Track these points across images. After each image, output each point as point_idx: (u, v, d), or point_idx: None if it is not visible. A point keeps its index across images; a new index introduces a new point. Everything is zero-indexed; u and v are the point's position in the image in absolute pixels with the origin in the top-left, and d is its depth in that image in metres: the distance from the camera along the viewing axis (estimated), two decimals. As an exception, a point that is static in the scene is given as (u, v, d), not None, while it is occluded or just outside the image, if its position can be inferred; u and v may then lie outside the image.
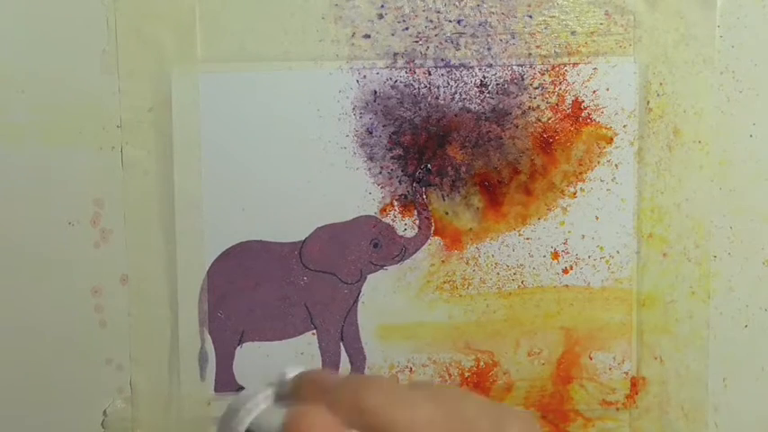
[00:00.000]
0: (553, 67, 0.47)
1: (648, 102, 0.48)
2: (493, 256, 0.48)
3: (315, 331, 0.49)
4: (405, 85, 0.47)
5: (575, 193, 0.48)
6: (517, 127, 0.48)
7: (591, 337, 0.49)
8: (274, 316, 0.48)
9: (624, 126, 0.48)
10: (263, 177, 0.47)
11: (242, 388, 0.49)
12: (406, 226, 0.48)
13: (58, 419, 0.49)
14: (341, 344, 0.49)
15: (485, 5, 0.47)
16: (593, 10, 0.47)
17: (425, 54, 0.47)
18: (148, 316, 0.48)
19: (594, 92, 0.48)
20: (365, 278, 0.48)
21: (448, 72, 0.47)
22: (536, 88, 0.47)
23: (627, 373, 0.49)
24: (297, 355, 0.49)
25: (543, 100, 0.47)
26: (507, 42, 0.47)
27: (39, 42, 0.47)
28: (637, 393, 0.49)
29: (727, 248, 0.49)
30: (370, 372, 0.49)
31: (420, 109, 0.47)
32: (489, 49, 0.47)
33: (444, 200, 0.48)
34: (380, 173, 0.48)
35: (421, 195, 0.48)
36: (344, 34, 0.47)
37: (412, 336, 0.49)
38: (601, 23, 0.47)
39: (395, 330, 0.49)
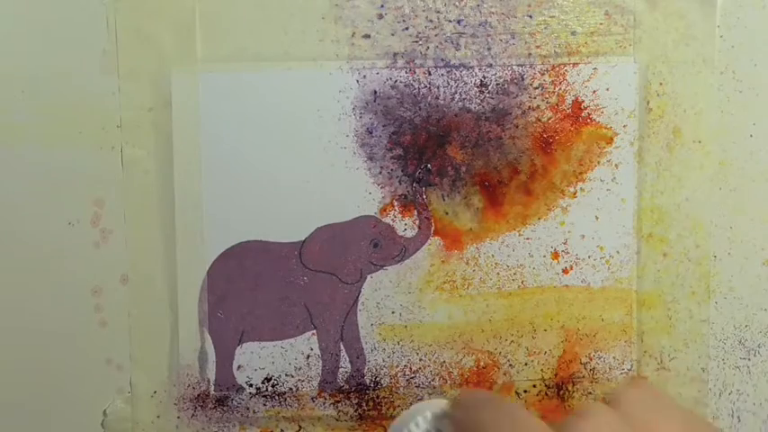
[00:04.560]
0: (553, 67, 0.47)
1: (648, 102, 0.48)
2: (493, 256, 0.48)
3: (315, 331, 0.49)
4: (405, 85, 0.47)
5: (575, 193, 0.48)
6: (517, 127, 0.48)
7: (591, 337, 0.49)
8: (274, 316, 0.48)
9: (624, 126, 0.48)
10: (262, 177, 0.47)
11: (242, 388, 0.49)
12: (406, 226, 0.48)
13: (58, 419, 0.49)
14: (341, 344, 0.49)
15: (485, 5, 0.47)
16: (593, 10, 0.47)
17: (425, 54, 0.47)
18: (148, 316, 0.48)
19: (594, 92, 0.48)
20: (365, 278, 0.48)
21: (448, 72, 0.47)
22: (536, 88, 0.47)
23: (627, 373, 0.49)
24: (297, 355, 0.49)
25: (543, 100, 0.47)
26: (507, 42, 0.47)
27: (39, 42, 0.47)
28: (637, 393, 0.49)
29: (727, 248, 0.49)
30: (370, 372, 0.49)
31: (420, 109, 0.47)
32: (489, 49, 0.47)
33: (444, 200, 0.48)
34: (380, 173, 0.48)
35: (421, 195, 0.48)
36: (344, 34, 0.47)
37: (412, 336, 0.49)
38: (601, 23, 0.47)
39: (395, 330, 0.49)
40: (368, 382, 0.49)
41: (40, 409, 0.49)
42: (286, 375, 0.49)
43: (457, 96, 0.47)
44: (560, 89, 0.47)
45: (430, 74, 0.47)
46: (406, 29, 0.47)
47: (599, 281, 0.49)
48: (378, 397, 0.49)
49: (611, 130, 0.48)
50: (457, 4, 0.47)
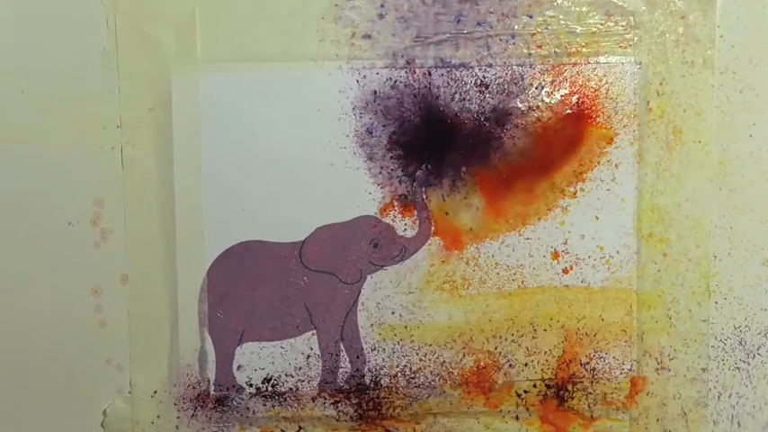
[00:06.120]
0: (553, 67, 0.47)
1: (648, 102, 0.48)
2: (493, 256, 0.48)
3: (315, 331, 0.49)
4: (405, 85, 0.47)
5: (575, 193, 0.48)
6: (517, 127, 0.48)
7: (591, 337, 0.49)
8: (274, 316, 0.48)
9: (624, 126, 0.48)
10: (263, 177, 0.47)
11: (242, 388, 0.49)
12: (405, 226, 0.48)
13: (58, 419, 0.49)
14: (341, 344, 0.49)
15: (484, 5, 0.47)
16: (593, 10, 0.47)
17: (425, 54, 0.47)
18: (148, 316, 0.48)
19: (594, 92, 0.48)
20: (365, 278, 0.48)
21: (448, 72, 0.47)
22: (536, 88, 0.47)
23: (627, 373, 0.49)
24: (297, 355, 0.49)
25: (543, 100, 0.48)
26: (507, 42, 0.47)
27: (39, 42, 0.47)
28: (637, 393, 0.49)
29: (727, 248, 0.49)
30: (370, 372, 0.49)
31: (420, 109, 0.47)
32: (489, 48, 0.47)
33: (444, 200, 0.48)
34: (380, 173, 0.48)
35: (421, 195, 0.48)
36: (344, 34, 0.47)
37: (412, 336, 0.49)
38: (601, 23, 0.47)
39: (395, 330, 0.49)
40: (368, 382, 0.49)
41: (40, 408, 0.49)
42: (286, 375, 0.49)
43: (457, 96, 0.47)
44: (560, 89, 0.47)
45: (430, 74, 0.47)
46: (407, 29, 0.47)
47: (599, 281, 0.49)
48: (378, 397, 0.49)
49: (612, 130, 0.48)
50: (457, 4, 0.47)
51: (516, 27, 0.47)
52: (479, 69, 0.47)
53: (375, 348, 0.49)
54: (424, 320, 0.49)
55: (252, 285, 0.48)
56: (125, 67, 0.47)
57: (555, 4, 0.47)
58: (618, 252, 0.49)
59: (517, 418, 0.50)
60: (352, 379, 0.49)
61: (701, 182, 0.48)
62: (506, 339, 0.49)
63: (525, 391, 0.49)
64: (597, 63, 0.47)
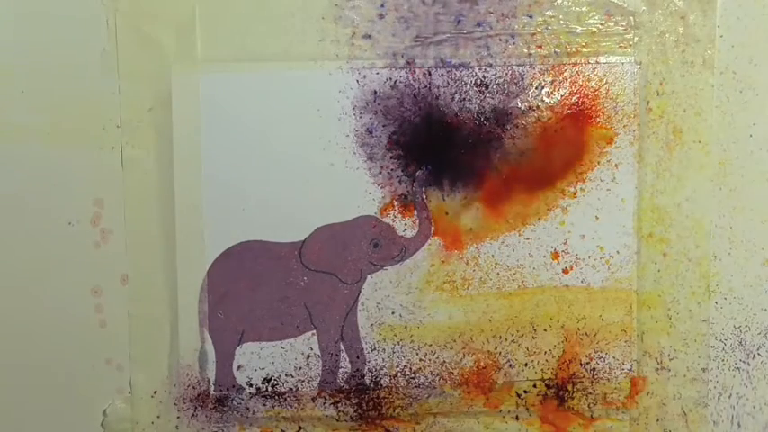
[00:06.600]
0: (553, 67, 0.47)
1: (648, 102, 0.48)
2: (493, 256, 0.48)
3: (315, 331, 0.49)
4: (405, 85, 0.47)
5: (575, 193, 0.48)
6: (517, 127, 0.48)
7: (591, 337, 0.49)
8: (274, 316, 0.48)
9: (624, 126, 0.48)
10: (262, 177, 0.47)
11: (242, 388, 0.49)
12: (405, 226, 0.48)
13: (58, 419, 0.49)
14: (341, 344, 0.49)
15: (484, 5, 0.47)
16: (593, 10, 0.47)
17: (425, 54, 0.47)
18: (148, 316, 0.48)
19: (594, 92, 0.48)
20: (365, 278, 0.48)
21: (448, 72, 0.47)
22: (536, 88, 0.47)
23: (627, 373, 0.49)
24: (297, 355, 0.49)
25: (543, 100, 0.48)
26: (507, 42, 0.47)
27: (39, 42, 0.47)
28: (637, 393, 0.49)
29: (727, 248, 0.49)
30: (370, 372, 0.49)
31: (420, 109, 0.47)
32: (489, 48, 0.47)
33: (444, 200, 0.48)
34: (380, 173, 0.48)
35: (421, 195, 0.48)
36: (344, 34, 0.47)
37: (412, 336, 0.49)
38: (601, 23, 0.47)
39: (395, 330, 0.49)
40: (368, 382, 0.49)
41: (40, 408, 0.49)
42: (286, 375, 0.49)
43: (457, 96, 0.47)
44: (560, 89, 0.47)
45: (430, 74, 0.47)
46: (407, 29, 0.47)
47: (599, 281, 0.49)
48: (378, 397, 0.49)
49: (612, 130, 0.48)
50: (457, 4, 0.47)
51: (516, 27, 0.47)
52: (479, 69, 0.47)
53: (375, 348, 0.49)
54: (424, 320, 0.49)
55: (252, 285, 0.48)
56: (125, 67, 0.47)
57: (555, 4, 0.47)
58: (618, 252, 0.49)
59: (517, 418, 0.50)
60: (352, 379, 0.49)
61: (701, 182, 0.48)
62: (506, 339, 0.49)
63: (525, 391, 0.49)
64: (597, 63, 0.47)
